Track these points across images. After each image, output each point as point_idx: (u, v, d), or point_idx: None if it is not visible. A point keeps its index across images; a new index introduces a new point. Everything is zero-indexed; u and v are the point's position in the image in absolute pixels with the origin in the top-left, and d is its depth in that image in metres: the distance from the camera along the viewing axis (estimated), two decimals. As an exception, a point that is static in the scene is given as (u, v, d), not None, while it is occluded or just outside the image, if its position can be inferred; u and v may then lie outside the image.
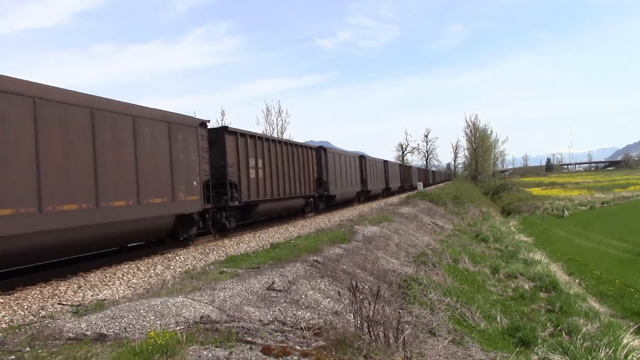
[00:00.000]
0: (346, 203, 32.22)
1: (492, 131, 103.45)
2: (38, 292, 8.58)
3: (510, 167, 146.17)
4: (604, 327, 10.57)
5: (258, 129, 43.45)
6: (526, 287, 14.39)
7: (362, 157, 36.13)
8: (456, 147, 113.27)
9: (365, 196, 36.64)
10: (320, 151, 26.82)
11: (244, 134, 17.61)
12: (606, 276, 18.34)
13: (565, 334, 9.88)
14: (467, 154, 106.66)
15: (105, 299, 7.75)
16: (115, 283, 9.31)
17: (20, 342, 5.05)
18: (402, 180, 54.02)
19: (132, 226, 11.52)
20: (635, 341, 9.62)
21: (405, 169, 61.71)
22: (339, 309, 7.46)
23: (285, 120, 51.34)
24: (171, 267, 10.86)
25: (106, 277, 9.83)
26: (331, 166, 27.64)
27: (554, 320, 10.83)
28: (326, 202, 27.42)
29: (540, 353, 8.69)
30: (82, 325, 5.44)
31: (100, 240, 10.99)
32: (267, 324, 5.82)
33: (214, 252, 12.88)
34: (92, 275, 10.06)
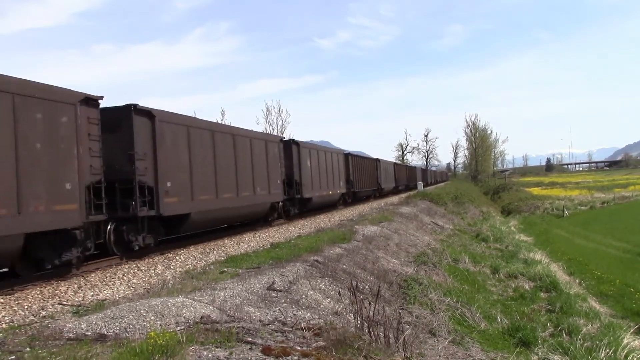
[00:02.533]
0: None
1: (492, 131, 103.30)
2: (38, 292, 8.57)
3: (510, 167, 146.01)
4: (604, 327, 10.55)
5: (258, 128, 43.79)
6: (526, 287, 14.38)
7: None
8: (456, 147, 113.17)
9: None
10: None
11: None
12: (606, 276, 18.34)
13: (566, 334, 9.88)
14: (467, 154, 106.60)
15: (105, 299, 7.74)
16: (115, 283, 9.30)
17: (20, 342, 5.05)
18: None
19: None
20: (636, 341, 9.62)
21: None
22: (339, 309, 7.46)
23: (285, 120, 51.47)
24: (171, 267, 10.86)
25: (106, 277, 9.82)
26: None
27: (554, 321, 10.81)
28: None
29: (540, 353, 8.69)
30: (82, 326, 5.43)
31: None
32: (268, 324, 5.81)
33: (214, 251, 12.88)
34: (93, 275, 10.06)
